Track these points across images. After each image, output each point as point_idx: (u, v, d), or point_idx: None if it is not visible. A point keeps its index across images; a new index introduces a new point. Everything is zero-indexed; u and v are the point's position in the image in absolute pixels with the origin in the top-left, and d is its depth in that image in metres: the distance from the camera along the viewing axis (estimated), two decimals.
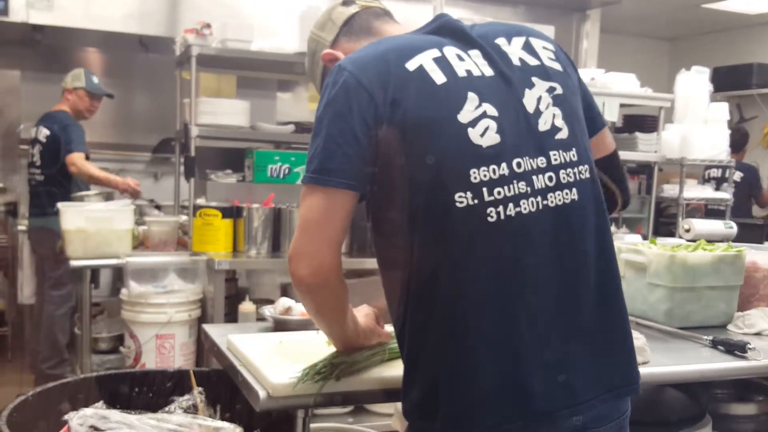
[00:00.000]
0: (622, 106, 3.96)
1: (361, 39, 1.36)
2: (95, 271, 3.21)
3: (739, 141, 5.47)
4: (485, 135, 1.17)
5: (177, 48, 3.44)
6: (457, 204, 1.14)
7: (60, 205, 3.15)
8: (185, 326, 2.91)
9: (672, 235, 4.02)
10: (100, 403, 1.63)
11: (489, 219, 1.15)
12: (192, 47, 3.11)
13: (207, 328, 1.87)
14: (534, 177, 1.18)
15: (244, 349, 1.56)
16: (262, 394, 1.35)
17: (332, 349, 1.44)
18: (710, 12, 6.06)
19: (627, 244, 2.21)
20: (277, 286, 3.60)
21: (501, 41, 1.27)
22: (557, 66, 1.29)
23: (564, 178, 1.21)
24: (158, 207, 4.58)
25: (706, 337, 1.82)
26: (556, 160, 1.21)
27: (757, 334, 1.95)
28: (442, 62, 1.20)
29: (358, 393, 1.41)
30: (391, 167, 1.17)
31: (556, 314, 1.18)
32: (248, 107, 3.28)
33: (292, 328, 1.84)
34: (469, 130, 1.16)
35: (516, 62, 1.25)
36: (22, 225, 4.68)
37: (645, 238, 3.47)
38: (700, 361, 1.71)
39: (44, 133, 4.08)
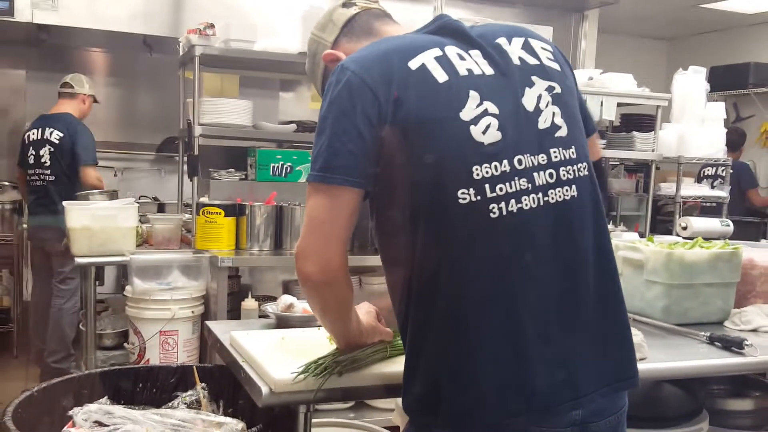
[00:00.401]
0: (619, 105, 3.98)
1: (362, 40, 1.38)
2: (100, 269, 3.24)
3: (736, 141, 5.49)
4: (487, 132, 1.19)
5: (180, 48, 3.46)
6: (460, 200, 1.16)
7: (65, 203, 3.18)
8: (189, 323, 2.93)
9: (669, 233, 4.04)
10: (105, 399, 1.66)
11: (491, 215, 1.17)
12: (195, 47, 3.13)
13: (210, 324, 1.89)
14: (535, 174, 1.21)
15: (246, 346, 1.58)
16: (264, 389, 1.37)
17: (334, 345, 1.47)
18: (708, 12, 6.08)
19: (624, 241, 2.23)
20: (279, 283, 3.63)
21: (501, 41, 1.29)
22: (556, 66, 1.31)
23: (564, 175, 1.23)
24: (162, 205, 4.62)
25: (703, 334, 1.83)
26: (556, 157, 1.23)
27: (754, 330, 1.97)
28: (444, 61, 1.22)
29: (359, 388, 1.43)
30: (394, 165, 1.20)
31: (556, 309, 1.20)
32: (251, 106, 3.31)
33: (294, 325, 1.86)
34: (471, 127, 1.18)
35: (516, 61, 1.27)
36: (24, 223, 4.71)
37: (642, 236, 3.49)
38: (697, 358, 1.72)
39: (56, 135, 4.15)
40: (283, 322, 1.88)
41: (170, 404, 1.66)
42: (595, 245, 1.26)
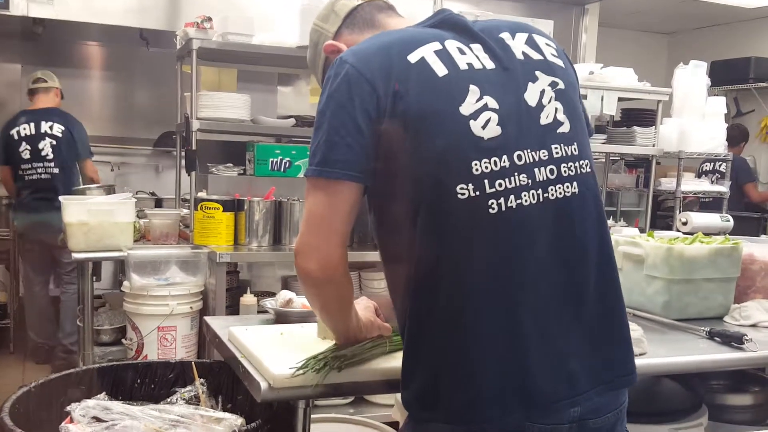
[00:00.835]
0: (620, 99, 3.97)
1: (364, 31, 1.37)
2: (97, 264, 3.22)
3: (737, 136, 5.48)
4: (486, 127, 1.18)
5: (178, 42, 3.44)
6: (459, 196, 1.15)
7: (62, 198, 3.16)
8: (187, 318, 2.92)
9: (669, 228, 4.03)
10: (103, 395, 1.65)
11: (490, 211, 1.16)
12: (193, 41, 3.11)
13: (209, 320, 1.88)
14: (535, 169, 1.20)
15: (245, 341, 1.57)
16: (263, 385, 1.36)
17: (330, 341, 1.46)
18: (708, 6, 6.07)
19: (625, 236, 2.23)
20: (278, 278, 3.62)
21: (505, 35, 1.27)
22: (559, 62, 1.30)
23: (565, 172, 1.22)
24: (159, 200, 4.63)
25: (702, 329, 1.83)
26: (557, 153, 1.22)
27: (753, 325, 1.97)
28: (444, 55, 1.21)
29: (358, 384, 1.43)
30: (393, 159, 1.18)
31: (555, 306, 1.19)
32: (249, 101, 3.29)
33: (293, 320, 1.85)
34: (471, 122, 1.17)
35: (519, 56, 1.26)
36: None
37: (642, 231, 3.48)
38: (697, 353, 1.72)
39: (58, 128, 4.27)
40: (282, 318, 1.88)
41: (169, 400, 1.66)
42: (595, 243, 1.25)
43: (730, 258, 2.04)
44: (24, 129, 4.28)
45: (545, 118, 1.23)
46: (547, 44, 1.31)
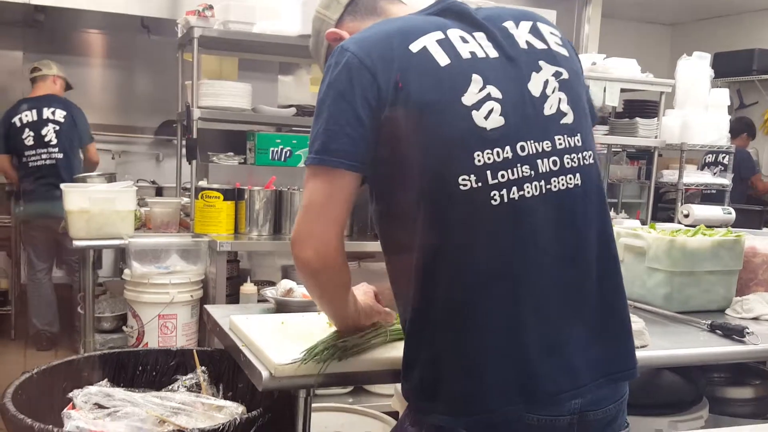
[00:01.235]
0: (622, 91, 3.95)
1: (366, 19, 1.36)
2: (97, 252, 3.23)
3: (741, 129, 5.46)
4: (489, 117, 1.17)
5: (179, 30, 3.43)
6: (461, 187, 1.14)
7: (63, 186, 3.16)
8: (187, 307, 2.93)
9: (670, 220, 4.03)
10: (104, 381, 1.66)
11: (492, 202, 1.15)
12: (194, 29, 3.09)
13: (209, 308, 1.88)
14: (538, 161, 1.18)
15: (246, 330, 1.57)
16: (264, 374, 1.36)
17: (333, 329, 1.46)
18: None
19: (626, 228, 2.22)
20: (278, 268, 3.62)
21: (509, 24, 1.26)
22: (564, 51, 1.29)
23: (568, 163, 1.21)
24: (160, 189, 4.64)
25: (704, 322, 1.83)
26: (560, 144, 1.21)
27: (755, 318, 1.96)
28: (446, 44, 1.20)
29: (360, 373, 1.43)
30: (394, 150, 1.18)
31: (557, 298, 1.19)
32: (250, 90, 3.27)
33: (294, 309, 1.85)
34: (473, 112, 1.16)
35: (523, 45, 1.24)
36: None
37: (644, 223, 3.48)
38: (699, 345, 1.72)
39: (60, 114, 4.32)
40: (282, 307, 1.87)
41: (170, 387, 1.66)
42: (597, 235, 1.24)
43: (732, 251, 2.04)
44: (26, 116, 4.31)
45: (549, 109, 1.22)
46: (551, 33, 1.29)
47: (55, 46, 5.23)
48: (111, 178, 3.68)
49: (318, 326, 1.60)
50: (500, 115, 1.17)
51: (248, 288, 2.81)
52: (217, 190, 3.01)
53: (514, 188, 1.16)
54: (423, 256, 1.19)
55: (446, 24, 1.23)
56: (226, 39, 3.22)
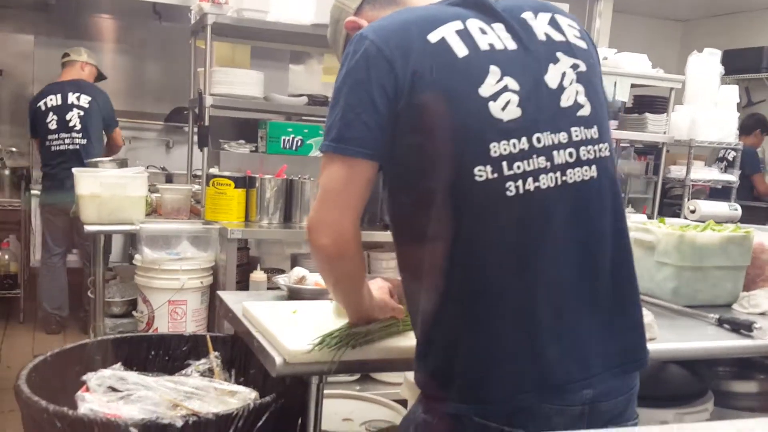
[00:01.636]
0: (633, 86, 3.94)
1: (386, 7, 1.36)
2: (107, 237, 3.25)
3: (752, 125, 5.44)
4: (506, 109, 1.17)
5: (192, 16, 3.43)
6: (477, 178, 1.15)
7: (75, 170, 3.18)
8: (197, 293, 2.94)
9: (676, 215, 4.03)
10: (118, 365, 1.67)
11: (508, 193, 1.16)
12: (207, 16, 3.09)
13: (222, 294, 1.90)
14: (554, 152, 1.19)
15: (259, 316, 1.59)
16: (278, 360, 1.38)
17: (344, 319, 1.48)
18: None
19: (636, 222, 2.23)
20: (287, 256, 3.64)
21: (527, 15, 1.26)
22: (582, 44, 1.29)
23: (584, 155, 1.22)
24: (170, 175, 4.66)
25: (712, 316, 1.84)
26: (577, 136, 1.22)
27: (762, 314, 1.97)
28: (465, 35, 1.20)
29: (373, 361, 1.45)
30: (410, 139, 1.18)
31: (571, 289, 1.20)
32: (262, 78, 3.28)
33: (306, 297, 1.87)
34: (490, 103, 1.17)
35: (541, 37, 1.25)
36: (36, 189, 4.73)
37: (650, 218, 3.49)
38: (707, 339, 1.73)
39: (85, 99, 4.35)
40: (294, 295, 1.89)
41: (183, 372, 1.68)
42: (612, 227, 1.25)
43: (741, 246, 2.05)
44: (51, 100, 4.35)
45: (566, 101, 1.22)
46: (569, 25, 1.30)
47: (66, 30, 5.24)
48: (123, 163, 3.70)
49: (330, 314, 1.61)
50: (517, 106, 1.18)
51: (258, 275, 2.82)
52: (229, 177, 3.01)
53: (530, 179, 1.17)
54: (437, 247, 1.19)
55: (466, 14, 1.23)
56: (239, 26, 3.22)
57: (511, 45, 1.22)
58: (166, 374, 1.68)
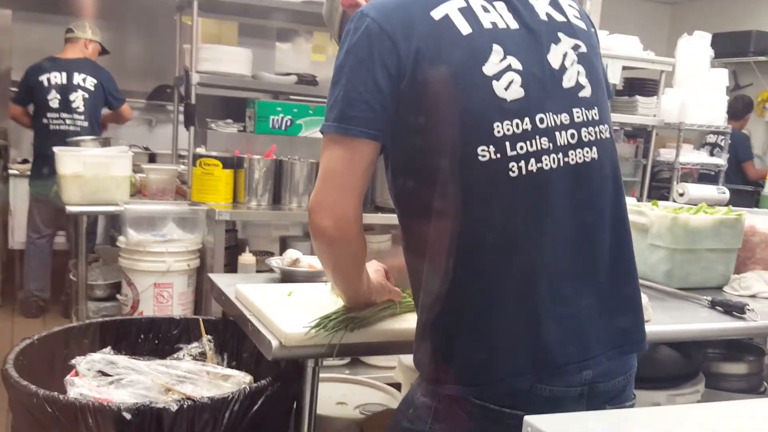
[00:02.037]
0: (624, 68, 3.93)
1: None
2: (91, 218, 3.19)
3: (740, 109, 5.46)
4: (509, 88, 1.15)
5: None
6: (480, 158, 1.14)
7: (56, 148, 3.11)
8: (184, 276, 2.89)
9: (664, 198, 4.05)
10: (108, 349, 1.65)
11: (511, 173, 1.15)
12: None
13: (213, 277, 1.87)
14: (557, 133, 1.18)
15: (253, 299, 1.56)
16: (274, 343, 1.36)
17: (341, 301, 1.45)
18: None
19: (629, 205, 2.22)
20: (275, 238, 3.60)
21: None
22: (582, 25, 1.28)
23: (585, 136, 1.21)
24: (153, 155, 4.60)
25: (705, 298, 1.84)
26: (579, 117, 1.21)
27: (753, 296, 1.99)
28: (468, 12, 1.18)
29: (370, 344, 1.43)
30: (413, 118, 1.16)
31: (571, 270, 1.19)
32: (250, 55, 3.22)
33: (299, 280, 1.84)
34: (494, 82, 1.15)
35: (543, 16, 1.23)
36: (14, 169, 4.63)
37: (639, 201, 3.49)
38: (700, 321, 1.74)
39: (91, 81, 4.31)
40: (288, 277, 1.86)
41: (175, 356, 1.65)
42: (612, 209, 1.25)
43: (733, 229, 2.06)
44: (55, 77, 4.26)
45: (567, 81, 1.21)
46: (570, 6, 1.28)
47: (44, 4, 5.11)
48: (106, 142, 3.63)
49: (326, 297, 1.59)
50: (520, 86, 1.16)
51: (247, 258, 2.78)
52: (216, 158, 2.96)
53: (533, 160, 1.16)
54: (440, 227, 1.18)
55: None
56: (226, 2, 3.15)
57: (513, 24, 1.20)
58: (156, 358, 1.65)
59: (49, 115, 4.26)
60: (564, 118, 1.19)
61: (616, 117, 4.12)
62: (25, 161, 4.89)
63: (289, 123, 3.27)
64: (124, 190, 3.05)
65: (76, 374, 1.52)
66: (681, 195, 3.57)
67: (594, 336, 1.20)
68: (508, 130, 1.15)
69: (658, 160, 4.40)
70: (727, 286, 2.07)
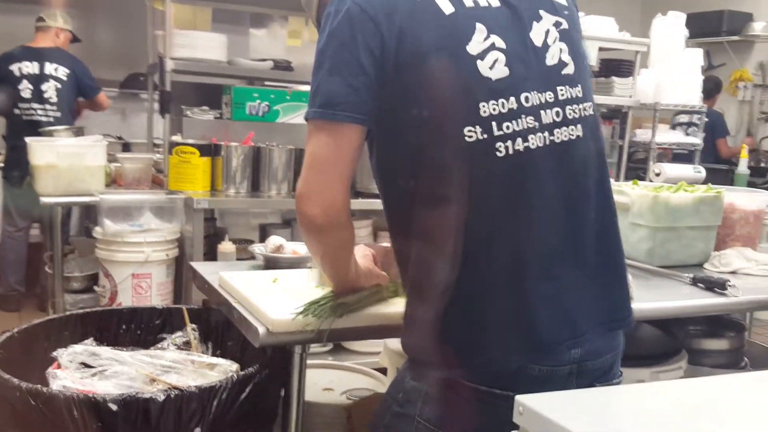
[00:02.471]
0: (600, 50, 3.94)
1: None
2: (66, 209, 3.14)
3: (712, 89, 5.52)
4: (494, 68, 1.15)
5: None
6: (467, 138, 1.13)
7: (28, 139, 3.05)
8: (162, 266, 2.86)
9: (641, 179, 4.08)
10: (90, 340, 1.62)
11: (498, 154, 1.14)
12: None
13: (195, 265, 1.84)
14: (542, 112, 1.17)
15: (238, 286, 1.54)
16: (261, 330, 1.34)
17: (327, 287, 1.44)
18: None
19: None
20: (254, 227, 3.57)
21: None
22: (563, 1, 1.27)
23: (570, 114, 1.21)
24: (127, 144, 4.53)
25: (686, 275, 1.86)
26: (563, 95, 1.20)
27: (733, 272, 2.00)
28: None
29: (358, 329, 1.41)
30: (399, 101, 1.15)
31: (558, 249, 1.19)
32: (225, 41, 3.17)
33: (283, 266, 1.82)
34: (478, 62, 1.14)
35: None
36: None
37: (615, 182, 3.52)
38: (683, 298, 1.75)
39: (63, 71, 4.24)
40: (271, 264, 1.84)
41: (159, 345, 1.63)
42: (597, 186, 1.25)
43: (712, 206, 2.07)
44: (26, 66, 4.19)
45: (550, 59, 1.20)
46: None
47: None
48: (79, 132, 3.56)
49: (311, 282, 1.57)
50: (505, 65, 1.15)
51: (227, 246, 2.76)
52: (193, 145, 2.92)
53: (519, 140, 1.15)
54: (427, 210, 1.17)
55: None
56: None
57: (495, 2, 1.19)
58: (140, 348, 1.63)
59: (21, 105, 4.20)
60: (548, 96, 1.19)
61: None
62: None
63: (266, 109, 3.23)
64: (99, 180, 3.01)
65: (59, 366, 1.50)
66: (657, 175, 3.60)
67: (582, 314, 1.20)
68: (494, 109, 1.14)
69: (634, 140, 4.43)
70: (707, 263, 2.09)
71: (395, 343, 1.72)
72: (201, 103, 3.34)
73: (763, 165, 6.20)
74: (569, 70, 1.22)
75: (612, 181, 3.00)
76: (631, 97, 4.13)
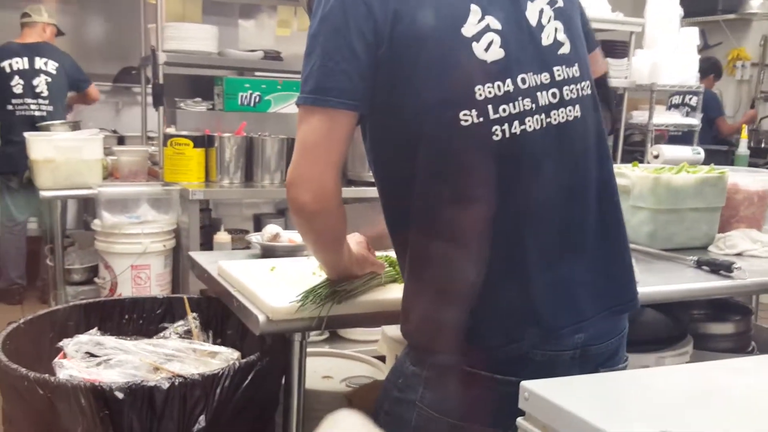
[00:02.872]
0: (594, 31, 3.90)
1: None
2: (64, 202, 3.14)
3: (708, 69, 5.49)
4: (489, 50, 1.13)
5: None
6: (462, 122, 1.11)
7: (27, 134, 3.06)
8: (161, 257, 2.86)
9: (639, 161, 4.05)
10: (94, 330, 1.62)
11: (494, 137, 1.12)
12: None
13: (194, 255, 1.84)
14: (538, 93, 1.15)
15: (237, 275, 1.53)
16: (261, 318, 1.34)
17: (322, 277, 1.43)
18: None
19: None
20: (248, 217, 3.57)
21: None
22: None
23: (567, 95, 1.19)
24: (121, 138, 4.53)
25: (690, 258, 1.82)
26: (559, 75, 1.18)
27: (738, 254, 1.96)
28: None
29: (358, 315, 1.41)
30: (392, 86, 1.13)
31: (559, 233, 1.17)
32: (216, 33, 3.15)
33: (280, 254, 1.81)
34: (473, 44, 1.12)
35: None
36: None
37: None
38: (688, 281, 1.71)
39: (52, 65, 4.30)
40: (268, 253, 1.83)
41: (162, 335, 1.63)
42: (597, 167, 1.23)
43: (716, 187, 2.03)
44: (17, 63, 4.24)
45: (546, 39, 1.18)
46: None
47: None
48: (75, 126, 3.56)
49: (309, 270, 1.56)
50: (500, 47, 1.13)
51: (222, 237, 2.76)
52: (187, 137, 2.91)
53: (516, 122, 1.13)
54: (423, 195, 1.16)
55: None
56: None
57: None
58: (142, 338, 1.63)
59: (14, 101, 4.25)
60: (545, 77, 1.17)
61: None
62: None
63: (257, 99, 3.22)
64: (96, 173, 3.02)
65: (65, 356, 1.50)
66: (656, 157, 3.58)
67: (585, 298, 1.19)
68: (490, 92, 1.12)
69: (631, 123, 4.39)
70: (712, 245, 2.04)
71: (394, 331, 1.71)
72: (193, 94, 3.32)
73: (763, 145, 6.17)
74: (565, 49, 1.20)
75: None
76: (627, 79, 4.08)
